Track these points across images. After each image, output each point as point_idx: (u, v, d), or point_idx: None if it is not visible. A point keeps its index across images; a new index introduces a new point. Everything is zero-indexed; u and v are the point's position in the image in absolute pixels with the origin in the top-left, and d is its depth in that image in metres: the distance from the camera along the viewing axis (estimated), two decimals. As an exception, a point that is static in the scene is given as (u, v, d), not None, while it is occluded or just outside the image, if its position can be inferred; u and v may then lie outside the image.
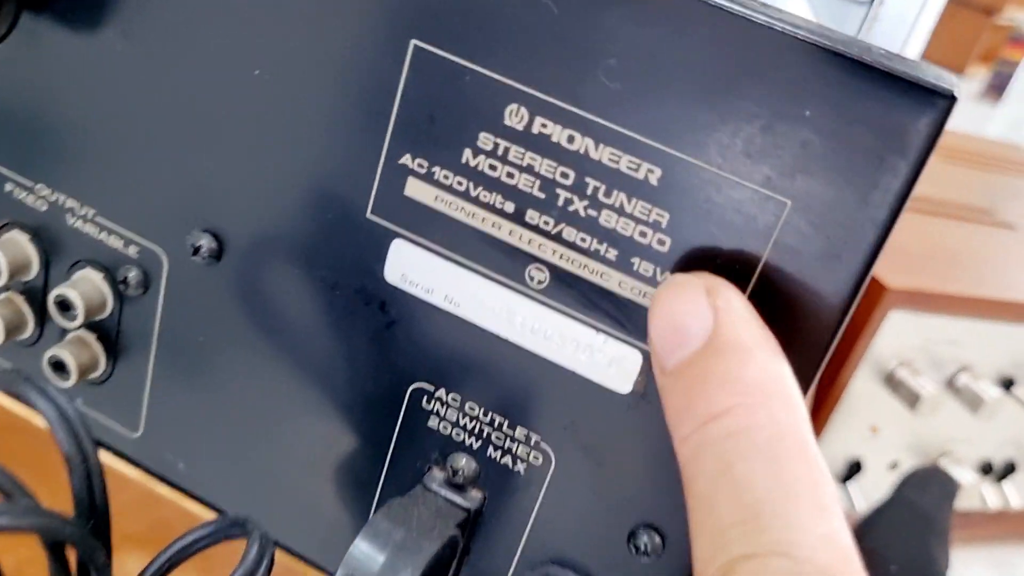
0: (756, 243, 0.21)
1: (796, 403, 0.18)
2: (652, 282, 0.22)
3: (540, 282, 0.23)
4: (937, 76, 0.19)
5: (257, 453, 0.28)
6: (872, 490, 0.75)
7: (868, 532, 0.66)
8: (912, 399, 0.68)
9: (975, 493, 0.77)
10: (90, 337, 0.28)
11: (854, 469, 0.75)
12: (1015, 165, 1.01)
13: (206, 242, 0.26)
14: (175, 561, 0.25)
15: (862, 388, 0.68)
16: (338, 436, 0.26)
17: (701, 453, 0.18)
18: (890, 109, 0.19)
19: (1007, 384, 0.73)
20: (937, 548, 0.64)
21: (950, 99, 0.19)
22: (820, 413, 0.70)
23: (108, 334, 0.28)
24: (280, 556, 0.29)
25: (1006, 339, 0.70)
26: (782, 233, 0.20)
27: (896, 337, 0.67)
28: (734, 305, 0.19)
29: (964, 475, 0.74)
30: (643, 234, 0.21)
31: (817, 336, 0.21)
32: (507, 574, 0.26)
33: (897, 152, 0.19)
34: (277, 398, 0.27)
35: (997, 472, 0.80)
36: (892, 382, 0.69)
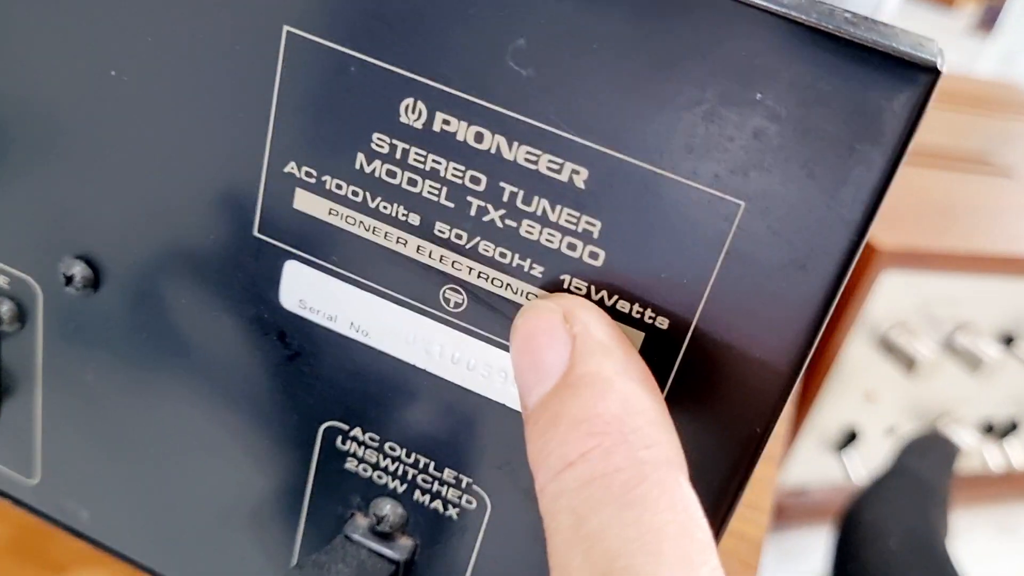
0: (706, 253, 0.17)
1: (661, 438, 0.16)
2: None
3: (457, 305, 0.19)
4: (916, 44, 0.15)
5: (164, 499, 0.24)
6: (870, 457, 0.72)
7: (867, 505, 0.63)
8: (908, 362, 0.65)
9: (977, 454, 0.74)
10: (-31, 376, 0.25)
11: (850, 438, 0.72)
12: (1010, 106, 0.97)
13: (79, 270, 0.22)
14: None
15: (856, 354, 0.65)
16: (249, 480, 0.23)
17: (556, 506, 0.16)
18: (860, 87, 0.15)
19: (1007, 340, 0.70)
20: (938, 517, 0.62)
21: (933, 72, 0.15)
22: (813, 382, 0.67)
23: (-11, 372, 0.25)
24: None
25: (1006, 295, 0.67)
26: (736, 240, 0.17)
27: (889, 299, 0.63)
28: (592, 331, 0.17)
29: (965, 436, 0.71)
30: (572, 247, 0.18)
31: (781, 360, 0.18)
32: None
33: (870, 139, 0.16)
34: (178, 440, 0.23)
35: (998, 431, 0.77)
36: (887, 345, 0.65)
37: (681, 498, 0.15)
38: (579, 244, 0.18)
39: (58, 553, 0.51)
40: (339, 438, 0.22)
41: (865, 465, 0.72)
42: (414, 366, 0.20)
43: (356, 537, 0.22)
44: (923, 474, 0.64)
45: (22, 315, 0.24)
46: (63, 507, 0.26)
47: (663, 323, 0.18)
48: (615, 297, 0.18)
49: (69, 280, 0.22)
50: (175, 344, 0.22)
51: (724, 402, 0.18)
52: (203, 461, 0.23)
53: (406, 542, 0.22)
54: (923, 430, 0.70)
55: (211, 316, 0.22)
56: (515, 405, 0.20)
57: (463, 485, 0.21)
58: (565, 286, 0.18)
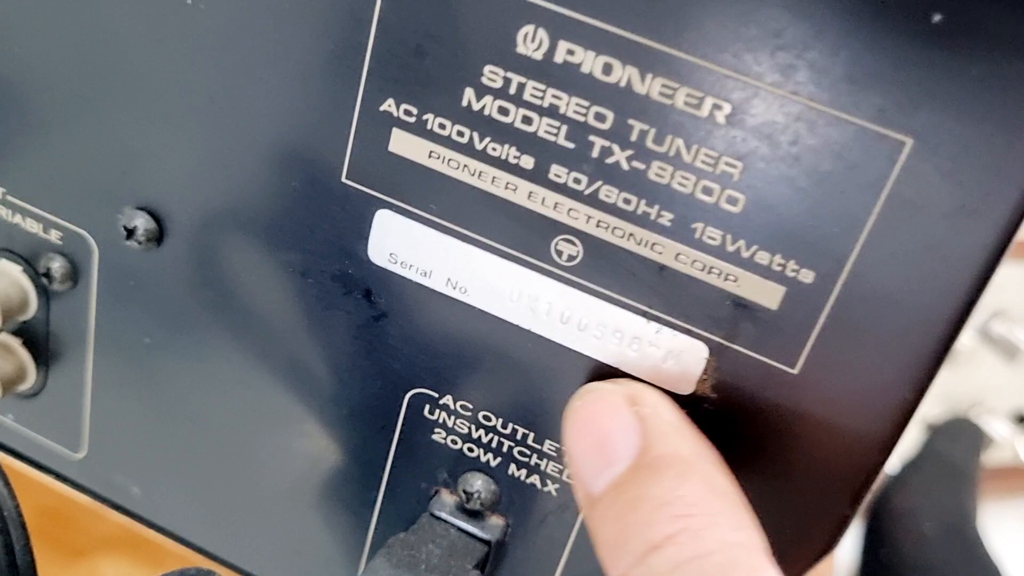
0: (862, 198, 0.15)
1: (747, 520, 0.16)
2: (721, 253, 0.17)
3: (571, 258, 0.18)
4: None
5: (224, 476, 0.23)
6: (902, 447, 0.70)
7: (899, 490, 0.62)
8: (944, 349, 0.63)
9: (1008, 445, 0.73)
10: (14, 342, 0.23)
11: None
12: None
13: (142, 222, 0.20)
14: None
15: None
16: (322, 455, 0.21)
17: None
18: None
19: (1044, 329, 0.68)
20: (969, 501, 0.61)
21: None
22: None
23: (35, 338, 0.23)
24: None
25: (1045, 281, 0.65)
26: (899, 183, 0.15)
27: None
28: (662, 414, 0.17)
29: (997, 426, 0.70)
30: (707, 191, 0.16)
31: (939, 319, 0.16)
32: None
33: None
34: (245, 410, 0.22)
35: (1032, 421, 0.76)
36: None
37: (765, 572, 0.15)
38: (716, 188, 0.16)
39: (79, 539, 0.49)
40: (427, 407, 0.20)
41: (896, 454, 0.70)
42: (517, 326, 0.18)
43: (443, 515, 0.20)
44: (954, 458, 0.63)
45: (75, 273, 0.22)
46: (112, 482, 0.24)
47: (807, 277, 0.16)
48: (753, 248, 0.16)
49: (130, 233, 0.20)
50: (244, 305, 0.20)
51: (871, 367, 0.17)
52: (269, 433, 0.22)
53: (498, 522, 0.20)
54: (951, 415, 0.69)
55: (288, 274, 0.20)
56: (631, 369, 0.18)
57: (564, 458, 0.19)
58: (697, 236, 0.17)
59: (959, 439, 0.67)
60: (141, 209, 0.20)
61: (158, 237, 0.20)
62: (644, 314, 0.17)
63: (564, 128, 0.17)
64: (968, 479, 0.64)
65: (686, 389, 0.18)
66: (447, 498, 0.20)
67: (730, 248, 0.16)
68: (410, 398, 0.20)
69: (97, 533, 0.48)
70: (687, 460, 0.16)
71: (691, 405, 0.18)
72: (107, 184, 0.20)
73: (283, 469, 0.22)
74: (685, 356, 0.17)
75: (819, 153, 0.15)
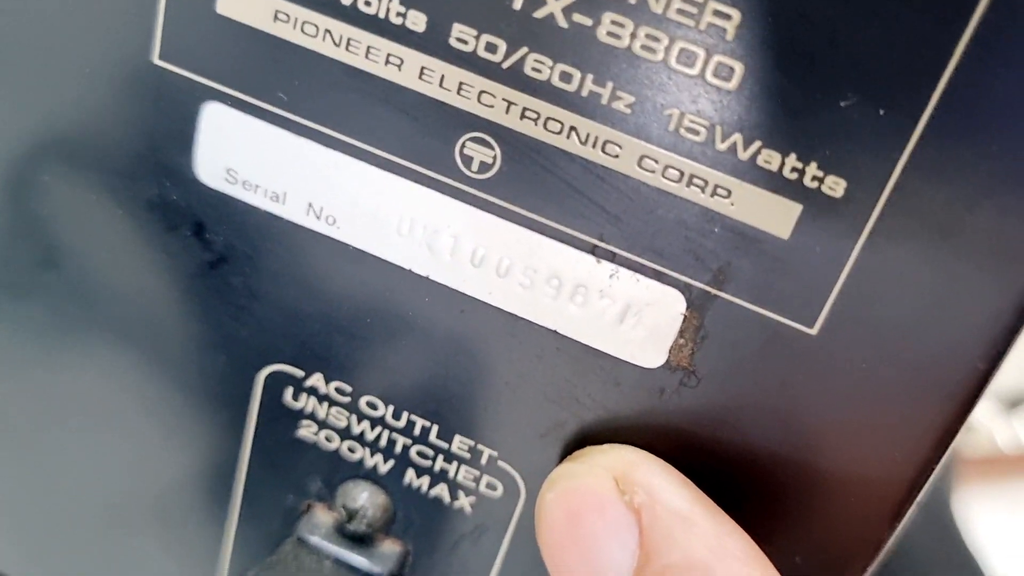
0: (929, 56, 0.10)
1: None
2: (706, 154, 0.11)
3: (484, 166, 0.12)
4: None
5: (28, 491, 0.17)
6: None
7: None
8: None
9: (986, 433, 0.69)
10: None
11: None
12: None
13: None
14: None
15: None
16: (152, 460, 0.15)
17: None
18: None
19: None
20: (943, 484, 0.58)
21: None
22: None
23: None
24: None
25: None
26: (982, 30, 0.10)
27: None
28: (663, 499, 0.12)
29: (977, 409, 0.66)
30: (687, 58, 0.11)
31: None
32: None
33: None
34: (47, 403, 0.16)
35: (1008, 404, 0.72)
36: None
37: None
38: (699, 53, 0.11)
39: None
40: (289, 390, 0.14)
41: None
42: (410, 271, 0.13)
43: (314, 540, 0.15)
44: None
45: None
46: None
47: (835, 187, 0.11)
48: (756, 145, 0.11)
49: None
50: (36, 256, 0.15)
51: (923, 323, 0.11)
52: (80, 433, 0.16)
53: (392, 547, 0.15)
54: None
55: (89, 204, 0.14)
56: (572, 333, 0.12)
57: (482, 461, 0.14)
58: (671, 127, 0.11)
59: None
60: None
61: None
62: (593, 250, 0.12)
63: (468, -36, 0.11)
64: (944, 463, 0.61)
65: (655, 360, 0.12)
66: (322, 517, 0.15)
67: (720, 146, 0.11)
68: (265, 378, 0.14)
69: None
70: (704, 566, 0.11)
71: (663, 383, 0.12)
72: None
73: (102, 481, 0.16)
74: (653, 311, 0.12)
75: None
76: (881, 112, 0.10)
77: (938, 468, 0.12)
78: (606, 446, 0.13)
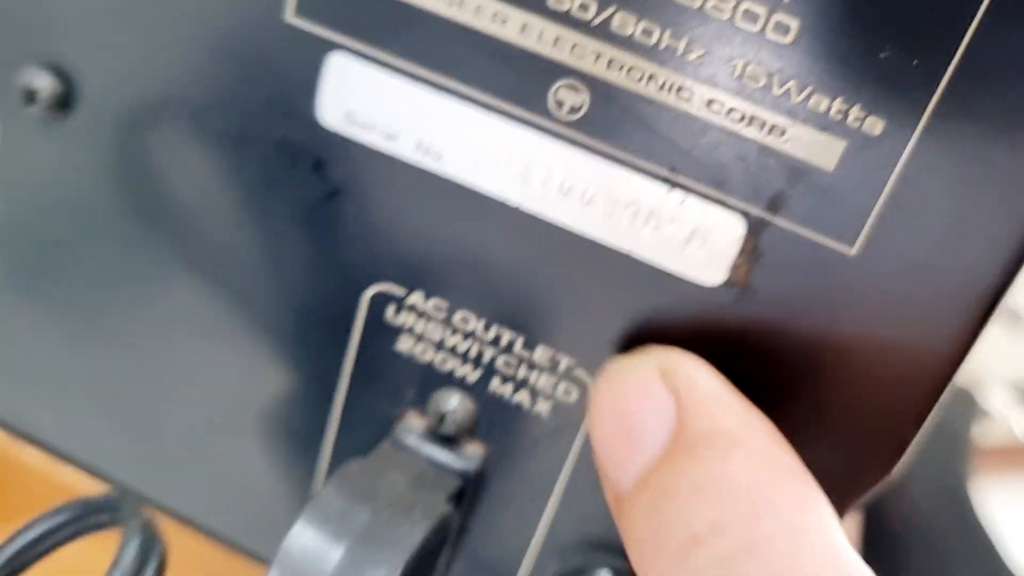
0: (956, 10, 0.12)
1: (810, 494, 0.13)
2: (765, 99, 0.13)
3: (574, 109, 0.14)
4: None
5: (147, 400, 0.19)
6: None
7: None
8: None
9: (1004, 422, 0.70)
10: None
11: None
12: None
13: (46, 84, 0.16)
14: (16, 567, 0.16)
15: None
16: (261, 369, 0.18)
17: None
18: None
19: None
20: (962, 470, 0.59)
21: None
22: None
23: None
24: (199, 545, 0.20)
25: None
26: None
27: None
28: (700, 383, 0.14)
29: (994, 398, 0.67)
30: (750, 16, 0.13)
31: None
32: (521, 566, 0.18)
33: None
34: (170, 316, 0.18)
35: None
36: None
37: (847, 562, 0.12)
38: (761, 12, 0.13)
39: (18, 500, 0.45)
40: (391, 308, 0.16)
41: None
42: (505, 202, 0.15)
43: (410, 442, 0.17)
44: (947, 426, 0.61)
45: (-35, 151, 0.18)
46: (14, 408, 0.20)
47: (874, 127, 0.13)
48: (807, 90, 0.13)
49: (30, 98, 0.17)
50: (166, 188, 0.17)
51: (948, 247, 0.13)
52: (197, 348, 0.18)
53: (475, 449, 0.17)
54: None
55: (217, 144, 0.16)
56: (646, 254, 0.14)
57: (561, 369, 0.16)
58: (735, 76, 0.13)
59: (952, 407, 0.65)
60: (46, 67, 0.16)
61: (65, 102, 0.17)
62: (665, 180, 0.14)
63: (568, -66, 0.13)
64: (961, 448, 0.62)
65: (716, 278, 0.14)
66: (415, 422, 0.17)
67: (777, 92, 0.13)
68: (371, 298, 0.16)
69: (38, 493, 0.44)
70: (731, 433, 0.13)
71: (721, 299, 0.14)
72: (1, 36, 0.17)
73: (216, 391, 0.18)
74: (716, 234, 0.14)
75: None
76: (914, 63, 0.12)
77: (958, 370, 0.14)
78: (658, 347, 0.15)
